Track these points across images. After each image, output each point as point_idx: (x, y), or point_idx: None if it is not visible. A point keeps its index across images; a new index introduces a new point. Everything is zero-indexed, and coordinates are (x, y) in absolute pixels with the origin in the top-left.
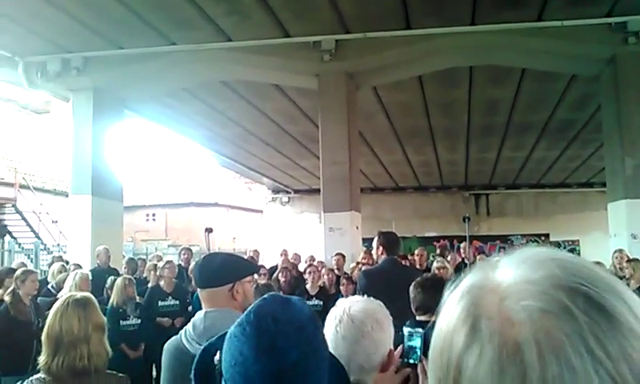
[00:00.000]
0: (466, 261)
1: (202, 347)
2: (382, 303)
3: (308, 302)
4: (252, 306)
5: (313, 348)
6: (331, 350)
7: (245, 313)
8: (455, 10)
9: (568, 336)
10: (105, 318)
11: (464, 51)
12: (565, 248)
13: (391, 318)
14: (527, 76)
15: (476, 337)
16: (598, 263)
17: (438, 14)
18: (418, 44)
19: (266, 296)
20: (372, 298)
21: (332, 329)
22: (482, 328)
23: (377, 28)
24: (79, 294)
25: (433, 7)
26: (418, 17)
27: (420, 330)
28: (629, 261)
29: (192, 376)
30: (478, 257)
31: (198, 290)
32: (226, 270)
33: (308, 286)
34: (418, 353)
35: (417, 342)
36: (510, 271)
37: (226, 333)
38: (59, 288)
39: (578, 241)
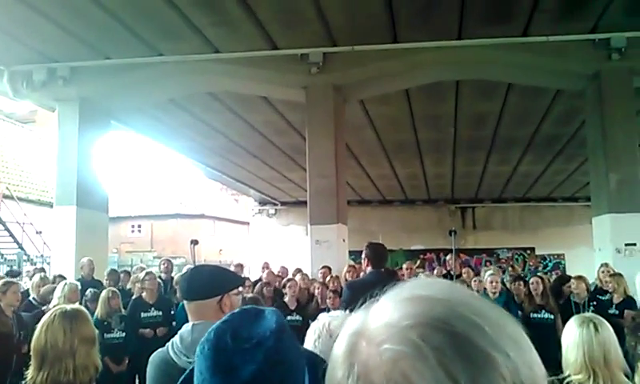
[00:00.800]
0: (451, 273)
1: (188, 370)
2: None
3: (289, 317)
4: (215, 323)
5: (272, 363)
6: None
7: (207, 331)
8: (442, 25)
9: (421, 373)
10: (96, 331)
11: (451, 65)
12: (551, 261)
13: None
14: (513, 90)
15: (349, 382)
16: (580, 277)
17: (425, 28)
18: (405, 58)
19: (234, 311)
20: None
21: (311, 344)
22: (354, 372)
23: (364, 41)
24: (69, 307)
25: (420, 21)
26: (405, 31)
27: None
28: (612, 275)
29: None
30: (463, 270)
31: (185, 302)
32: (214, 282)
33: (286, 300)
34: None
35: None
36: (378, 313)
37: None
38: (42, 300)
39: (563, 255)
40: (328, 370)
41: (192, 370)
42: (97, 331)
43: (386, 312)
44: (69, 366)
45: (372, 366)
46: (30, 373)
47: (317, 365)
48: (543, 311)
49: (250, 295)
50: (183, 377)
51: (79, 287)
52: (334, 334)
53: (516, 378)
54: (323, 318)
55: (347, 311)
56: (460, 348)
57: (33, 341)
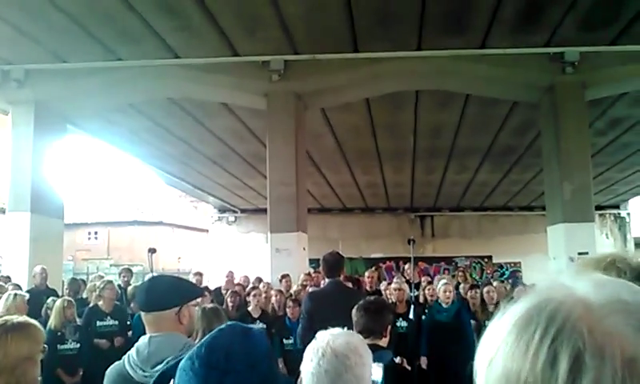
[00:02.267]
0: (410, 281)
1: (159, 373)
2: (360, 336)
3: (250, 325)
4: (206, 337)
5: None
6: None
7: (197, 345)
8: (402, 35)
9: None
10: (36, 347)
11: (410, 76)
12: (507, 269)
13: (371, 352)
14: (471, 101)
15: (583, 369)
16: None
17: (385, 38)
18: (366, 67)
19: (223, 327)
20: (352, 331)
21: (314, 363)
22: (585, 360)
23: (325, 50)
24: (15, 318)
25: (380, 32)
26: (365, 41)
27: (380, 363)
28: None
29: None
30: (423, 278)
31: (142, 313)
32: (172, 293)
33: (250, 309)
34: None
35: (377, 375)
36: (586, 293)
37: (181, 359)
38: None
39: (519, 262)
40: (504, 372)
41: (162, 376)
42: (49, 342)
43: (599, 292)
44: None
45: (623, 338)
46: None
47: None
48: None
49: (209, 306)
50: (153, 382)
51: (27, 297)
52: (338, 352)
53: None
54: (324, 336)
55: (345, 328)
56: None
57: None
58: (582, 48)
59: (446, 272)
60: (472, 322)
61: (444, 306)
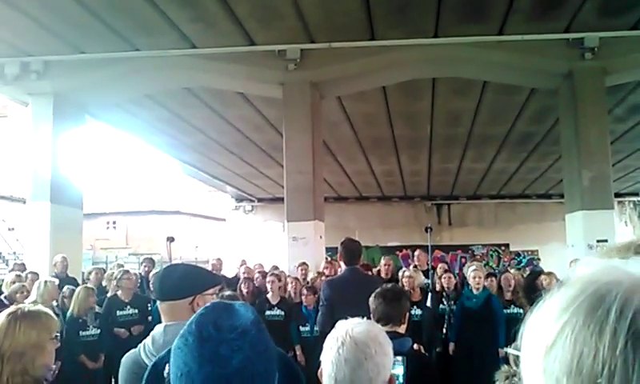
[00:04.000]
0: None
1: (153, 362)
2: (379, 326)
3: (269, 312)
4: (193, 316)
5: (257, 351)
6: (332, 372)
7: (187, 324)
8: (419, 23)
9: None
10: (45, 335)
11: (427, 63)
12: (525, 257)
13: (390, 341)
14: (488, 88)
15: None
16: (551, 273)
17: (402, 26)
18: (382, 55)
19: (207, 305)
20: (372, 321)
21: (334, 351)
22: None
23: (342, 38)
24: (27, 307)
25: (397, 19)
26: (382, 28)
27: (400, 357)
28: None
29: None
30: (439, 266)
31: (158, 302)
32: (187, 282)
33: (269, 296)
34: (401, 381)
35: (398, 370)
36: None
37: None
38: (12, 300)
39: (537, 251)
40: (569, 362)
41: (157, 366)
42: (71, 328)
43: None
44: (15, 369)
45: None
46: None
47: (284, 357)
48: (512, 306)
49: (227, 293)
50: (148, 371)
51: (56, 283)
52: (358, 341)
53: None
54: (344, 325)
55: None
56: None
57: None
58: (602, 33)
59: (464, 260)
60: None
61: (474, 292)
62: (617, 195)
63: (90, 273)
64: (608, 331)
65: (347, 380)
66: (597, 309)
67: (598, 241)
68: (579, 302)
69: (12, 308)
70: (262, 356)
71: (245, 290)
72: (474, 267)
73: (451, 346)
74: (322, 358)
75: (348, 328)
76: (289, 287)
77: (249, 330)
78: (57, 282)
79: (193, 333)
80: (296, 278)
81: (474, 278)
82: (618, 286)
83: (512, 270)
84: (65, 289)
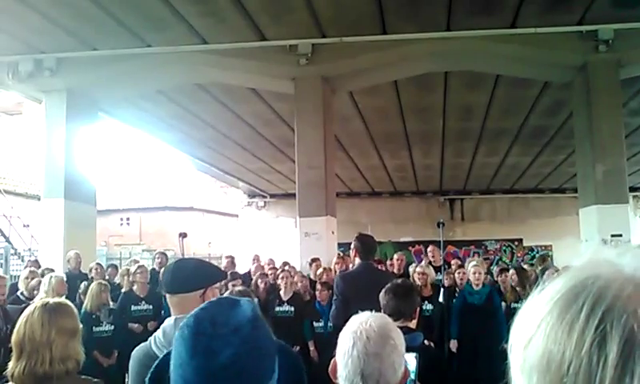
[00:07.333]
0: (432, 264)
1: (163, 354)
2: (387, 316)
3: (279, 308)
4: (195, 309)
5: (249, 348)
6: (359, 367)
7: (187, 316)
8: (430, 16)
9: None
10: (77, 323)
11: (439, 57)
12: (538, 252)
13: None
14: (501, 82)
15: (635, 352)
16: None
17: (414, 19)
18: (394, 49)
19: (212, 300)
20: (384, 314)
21: (359, 345)
22: (638, 343)
23: (353, 33)
24: (51, 300)
25: (408, 13)
26: (393, 22)
27: (412, 353)
28: None
29: (147, 380)
30: (453, 261)
31: (168, 295)
32: (197, 275)
33: (281, 292)
34: (412, 376)
35: (410, 365)
36: (635, 270)
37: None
38: (30, 295)
39: (550, 246)
40: (544, 355)
41: (167, 356)
42: (81, 325)
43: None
44: (45, 357)
45: None
46: (10, 364)
47: (287, 352)
48: (521, 301)
49: (238, 288)
50: (157, 362)
51: (65, 279)
52: (382, 334)
53: None
54: (359, 319)
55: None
56: None
57: (14, 333)
58: (616, 25)
59: (476, 255)
60: (502, 303)
61: (475, 288)
62: (632, 189)
63: (90, 269)
64: (577, 329)
65: (376, 373)
66: (571, 305)
67: (612, 235)
68: (558, 296)
69: (41, 301)
70: (254, 353)
71: (262, 286)
72: (474, 263)
73: (452, 343)
74: (337, 351)
75: (368, 321)
76: (298, 285)
77: (242, 327)
78: (64, 277)
79: (190, 325)
80: (304, 275)
81: (474, 273)
82: (595, 280)
83: (525, 266)
84: (81, 285)
